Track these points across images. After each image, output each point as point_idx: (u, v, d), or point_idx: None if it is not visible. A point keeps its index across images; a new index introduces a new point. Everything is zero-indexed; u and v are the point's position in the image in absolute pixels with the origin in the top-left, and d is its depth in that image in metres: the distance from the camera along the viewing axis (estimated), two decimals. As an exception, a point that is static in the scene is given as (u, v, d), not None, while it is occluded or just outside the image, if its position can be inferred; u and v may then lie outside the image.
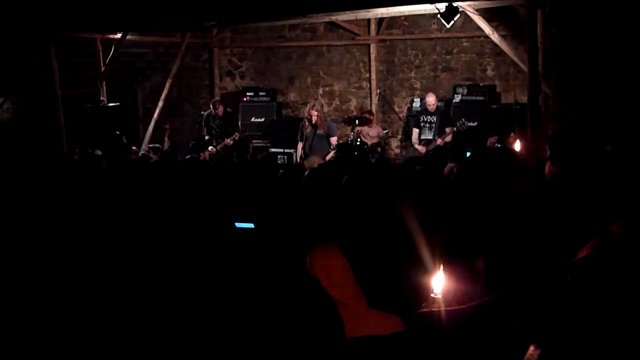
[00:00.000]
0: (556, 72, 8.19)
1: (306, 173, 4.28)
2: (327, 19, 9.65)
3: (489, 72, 9.67)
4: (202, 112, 9.85)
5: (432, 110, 8.43)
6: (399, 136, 10.24)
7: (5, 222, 4.06)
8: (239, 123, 10.35)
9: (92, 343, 2.72)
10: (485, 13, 8.29)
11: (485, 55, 9.62)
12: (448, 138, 7.93)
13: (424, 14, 9.18)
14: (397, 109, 10.17)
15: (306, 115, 8.45)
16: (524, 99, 8.44)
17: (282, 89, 11.15)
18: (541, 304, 2.10)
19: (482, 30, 8.29)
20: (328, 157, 7.76)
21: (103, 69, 9.38)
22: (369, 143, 8.40)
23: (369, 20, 10.08)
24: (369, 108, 10.28)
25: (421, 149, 8.22)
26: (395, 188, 3.61)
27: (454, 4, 6.97)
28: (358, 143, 8.07)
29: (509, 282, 2.43)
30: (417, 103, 9.70)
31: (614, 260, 2.08)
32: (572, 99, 8.04)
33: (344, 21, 9.93)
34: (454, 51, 9.86)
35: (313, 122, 8.25)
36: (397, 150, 10.21)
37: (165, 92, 10.72)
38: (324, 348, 2.05)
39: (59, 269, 3.33)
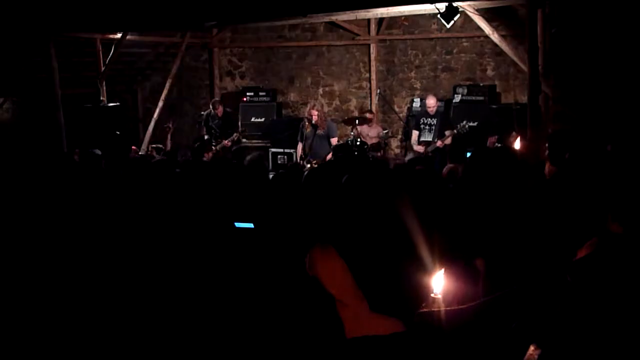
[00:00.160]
0: (556, 72, 8.18)
1: (306, 173, 4.28)
2: (327, 19, 9.65)
3: (489, 72, 9.67)
4: (202, 112, 9.85)
5: (432, 113, 8.44)
6: (399, 136, 10.24)
7: (5, 222, 4.06)
8: (239, 123, 10.35)
9: (92, 343, 2.72)
10: (485, 13, 8.29)
11: (485, 55, 9.62)
12: (447, 141, 7.94)
13: (424, 14, 9.18)
14: (397, 109, 10.16)
15: (306, 115, 8.45)
16: (524, 99, 8.43)
17: (282, 89, 11.15)
18: (541, 304, 2.10)
19: (482, 30, 8.29)
20: (327, 158, 7.77)
21: (103, 69, 9.38)
22: (369, 143, 8.40)
23: (369, 20, 10.08)
24: (369, 108, 10.27)
25: (420, 148, 8.22)
26: (395, 188, 3.61)
27: (454, 4, 6.97)
28: (358, 143, 8.07)
29: (509, 282, 2.43)
30: (417, 103, 9.70)
31: (613, 260, 2.08)
32: (572, 99, 8.04)
33: (344, 21, 9.93)
34: (454, 51, 9.86)
35: (313, 122, 8.25)
36: (397, 150, 10.21)
37: (165, 92, 10.72)
38: (324, 348, 2.05)
39: (59, 268, 3.33)
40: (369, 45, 10.30)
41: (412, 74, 10.22)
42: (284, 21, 10.15)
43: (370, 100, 10.43)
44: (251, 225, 3.50)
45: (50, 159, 6.71)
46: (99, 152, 6.44)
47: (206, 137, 9.32)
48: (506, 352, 2.06)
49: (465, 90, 9.23)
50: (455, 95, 9.29)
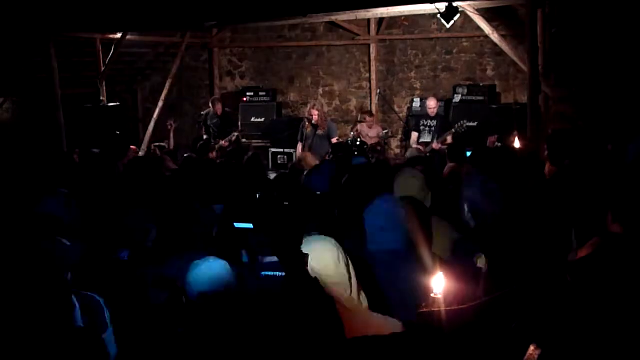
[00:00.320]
0: (556, 72, 8.19)
1: (305, 172, 4.28)
2: (327, 19, 9.65)
3: (489, 72, 9.67)
4: (202, 112, 9.85)
5: (433, 115, 8.45)
6: (399, 136, 10.24)
7: (5, 222, 4.06)
8: (239, 123, 10.35)
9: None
10: (485, 13, 8.29)
11: (485, 55, 9.62)
12: (448, 140, 7.93)
13: (424, 14, 9.18)
14: (397, 109, 10.17)
15: (307, 115, 8.46)
16: (524, 99, 8.44)
17: (282, 89, 11.16)
18: (541, 304, 2.10)
19: (482, 30, 8.29)
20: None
21: (103, 69, 9.38)
22: (369, 143, 8.39)
23: (369, 20, 10.08)
24: (369, 108, 10.28)
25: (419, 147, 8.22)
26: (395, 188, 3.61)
27: (454, 4, 6.97)
28: (358, 143, 8.07)
29: (510, 281, 2.43)
30: (417, 103, 9.70)
31: (614, 260, 2.08)
32: (572, 99, 8.04)
33: (344, 21, 9.93)
34: (454, 51, 9.86)
35: (313, 122, 8.25)
36: (397, 150, 10.21)
37: (165, 92, 10.72)
38: (324, 348, 2.05)
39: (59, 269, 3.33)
40: (369, 45, 10.30)
41: (412, 74, 10.22)
42: (284, 21, 10.15)
43: (370, 100, 10.43)
44: (250, 226, 3.49)
45: (50, 158, 6.71)
46: (96, 151, 6.45)
47: (205, 137, 9.32)
48: (506, 352, 2.06)
49: (465, 90, 9.23)
50: (455, 95, 9.29)
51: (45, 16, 7.99)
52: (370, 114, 9.53)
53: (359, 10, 8.46)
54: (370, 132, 8.90)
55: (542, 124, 7.56)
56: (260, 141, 10.34)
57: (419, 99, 9.70)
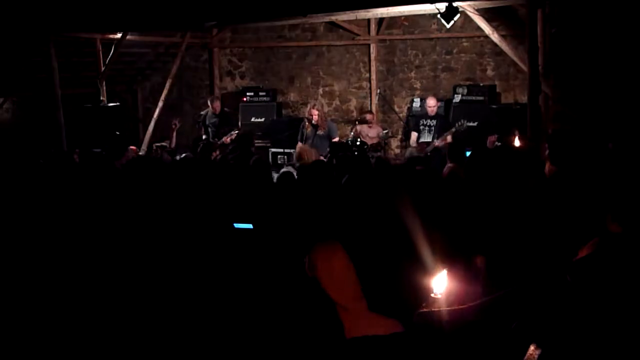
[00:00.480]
0: (556, 72, 8.19)
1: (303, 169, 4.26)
2: (327, 19, 9.65)
3: (489, 72, 9.66)
4: (202, 112, 9.85)
5: (432, 114, 8.44)
6: (399, 136, 10.24)
7: (5, 221, 4.06)
8: (239, 123, 10.34)
9: (91, 343, 2.72)
10: (485, 13, 8.29)
11: (485, 55, 9.62)
12: (448, 139, 7.92)
13: (424, 14, 9.17)
14: (397, 109, 10.16)
15: (307, 115, 8.45)
16: (524, 99, 8.43)
17: (282, 89, 11.15)
18: (541, 304, 2.10)
19: (482, 30, 8.29)
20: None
21: (103, 69, 9.37)
22: (369, 143, 8.39)
23: (369, 20, 10.07)
24: (369, 108, 10.27)
25: (419, 147, 8.21)
26: (395, 188, 3.61)
27: (454, 4, 6.97)
28: (358, 143, 8.06)
29: (510, 281, 2.43)
30: (417, 103, 9.70)
31: (613, 260, 2.08)
32: (572, 99, 8.05)
33: (344, 21, 9.93)
34: (454, 51, 9.86)
35: (313, 122, 8.25)
36: (397, 150, 10.21)
37: (165, 92, 10.71)
38: (323, 348, 2.05)
39: (59, 269, 3.33)
40: (369, 45, 10.30)
41: (412, 74, 10.21)
42: (284, 21, 10.15)
43: (370, 100, 10.43)
44: (250, 226, 3.50)
45: (50, 158, 6.72)
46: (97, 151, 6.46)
47: (204, 137, 9.32)
48: (506, 352, 2.06)
49: (465, 90, 9.23)
50: (455, 95, 9.29)
51: (45, 16, 7.99)
52: (369, 113, 9.53)
53: (359, 10, 8.46)
54: (370, 132, 8.90)
55: (542, 124, 7.56)
56: (260, 141, 10.33)
57: (419, 99, 9.70)
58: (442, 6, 7.02)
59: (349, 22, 9.98)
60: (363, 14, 8.99)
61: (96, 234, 3.71)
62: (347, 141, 8.18)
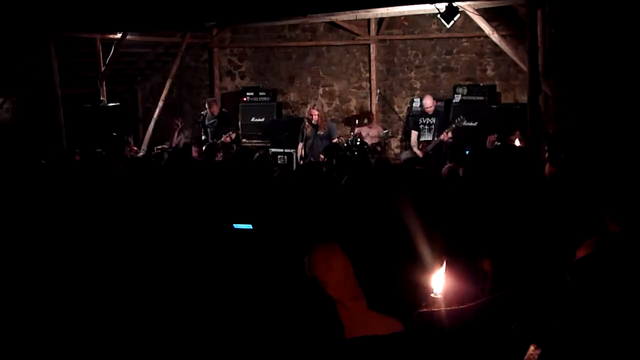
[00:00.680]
0: (556, 72, 8.19)
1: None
2: (327, 19, 9.65)
3: (489, 72, 9.66)
4: (202, 113, 9.86)
5: (431, 113, 8.43)
6: (399, 136, 10.24)
7: (5, 221, 4.06)
8: (239, 123, 10.34)
9: (90, 344, 2.72)
10: (485, 13, 8.29)
11: (485, 55, 9.62)
12: (449, 134, 7.88)
13: (424, 14, 9.17)
14: (397, 109, 10.16)
15: (307, 115, 8.45)
16: (524, 99, 8.43)
17: (282, 89, 11.15)
18: (541, 304, 2.10)
19: (482, 30, 8.29)
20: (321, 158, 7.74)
21: (103, 69, 9.37)
22: (369, 143, 8.39)
23: (369, 20, 10.07)
24: (369, 108, 10.27)
25: (420, 153, 8.17)
26: (395, 188, 3.61)
27: (454, 4, 6.97)
28: (358, 143, 8.06)
29: (513, 281, 2.43)
30: (417, 103, 9.70)
31: (613, 260, 2.08)
32: (572, 99, 8.05)
33: (344, 21, 9.93)
34: (454, 51, 9.86)
35: (313, 122, 8.25)
36: (397, 150, 10.21)
37: (165, 92, 10.71)
38: (323, 348, 2.05)
39: (59, 269, 3.33)
40: (369, 45, 10.30)
41: (412, 74, 10.21)
42: (284, 21, 10.15)
43: (370, 100, 10.42)
44: (250, 227, 3.50)
45: (52, 158, 6.72)
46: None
47: (203, 137, 9.32)
48: (506, 352, 2.06)
49: (465, 90, 9.23)
50: (455, 95, 9.29)
51: (45, 16, 7.99)
52: (369, 112, 9.53)
53: (359, 10, 8.45)
54: (370, 132, 8.90)
55: (542, 124, 7.55)
56: (260, 141, 10.34)
57: (418, 99, 9.69)
58: (442, 6, 7.01)
59: (349, 22, 9.98)
60: (363, 14, 8.99)
61: (96, 234, 3.71)
62: (347, 141, 8.18)
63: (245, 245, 3.35)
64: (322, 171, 5.17)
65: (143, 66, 11.69)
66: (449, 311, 2.29)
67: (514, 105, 8.91)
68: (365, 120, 9.21)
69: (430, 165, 6.45)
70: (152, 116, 10.68)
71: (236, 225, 3.51)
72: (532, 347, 1.99)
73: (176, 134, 9.32)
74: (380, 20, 10.09)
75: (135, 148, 8.89)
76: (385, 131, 9.16)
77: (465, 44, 9.76)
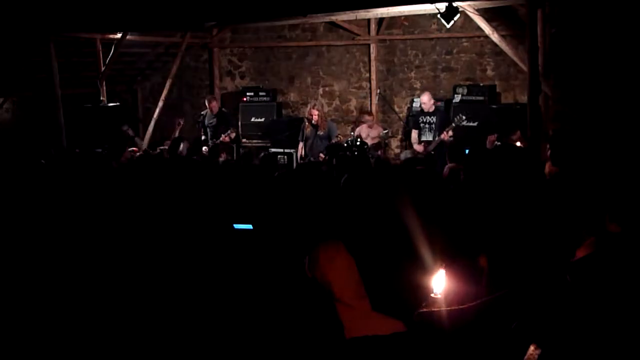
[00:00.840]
0: (556, 72, 8.19)
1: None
2: (327, 19, 9.65)
3: (489, 72, 9.66)
4: (202, 113, 9.87)
5: (430, 111, 8.38)
6: (399, 136, 10.23)
7: (5, 221, 4.06)
8: (239, 123, 10.34)
9: (90, 343, 2.72)
10: (485, 13, 8.29)
11: (485, 55, 9.62)
12: (449, 133, 7.85)
13: (424, 14, 9.17)
14: (397, 109, 10.16)
15: (307, 115, 8.45)
16: (524, 99, 8.43)
17: (282, 89, 11.15)
18: (541, 304, 2.10)
19: (482, 30, 8.29)
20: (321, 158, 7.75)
21: (103, 69, 9.38)
22: (369, 143, 8.39)
23: (369, 20, 10.07)
24: (369, 108, 10.27)
25: (420, 147, 8.16)
26: (395, 188, 3.61)
27: (454, 4, 6.97)
28: (358, 143, 8.06)
29: (512, 281, 2.42)
30: (417, 103, 9.67)
31: (613, 260, 2.08)
32: (572, 99, 8.04)
33: (344, 21, 9.93)
34: (454, 51, 9.86)
35: (313, 122, 8.25)
36: (397, 150, 10.20)
37: (165, 92, 10.71)
38: (323, 348, 2.05)
39: (59, 269, 3.33)
40: (369, 45, 10.30)
41: (412, 74, 10.21)
42: (284, 21, 10.15)
43: (370, 100, 10.42)
44: (250, 227, 3.50)
45: (52, 158, 6.72)
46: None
47: (203, 137, 9.32)
48: (506, 352, 2.06)
49: (465, 90, 9.22)
50: (455, 95, 9.29)
51: (45, 16, 7.99)
52: (369, 113, 9.52)
53: (359, 10, 8.46)
54: (370, 132, 8.90)
55: (542, 124, 7.55)
56: (260, 141, 10.34)
57: (418, 99, 9.69)
58: (442, 6, 7.02)
59: (349, 22, 9.98)
60: (363, 14, 8.99)
61: (96, 234, 3.71)
62: (347, 141, 8.18)
63: (245, 246, 3.35)
64: (321, 171, 5.17)
65: (143, 66, 11.69)
66: (449, 311, 2.29)
67: (514, 105, 8.90)
68: (365, 116, 9.19)
69: (434, 166, 6.42)
70: (152, 116, 10.69)
71: (236, 226, 3.51)
72: (532, 347, 1.99)
73: (177, 133, 9.32)
74: (380, 20, 10.09)
75: (135, 148, 8.88)
76: (385, 131, 9.15)
77: (465, 44, 9.76)
